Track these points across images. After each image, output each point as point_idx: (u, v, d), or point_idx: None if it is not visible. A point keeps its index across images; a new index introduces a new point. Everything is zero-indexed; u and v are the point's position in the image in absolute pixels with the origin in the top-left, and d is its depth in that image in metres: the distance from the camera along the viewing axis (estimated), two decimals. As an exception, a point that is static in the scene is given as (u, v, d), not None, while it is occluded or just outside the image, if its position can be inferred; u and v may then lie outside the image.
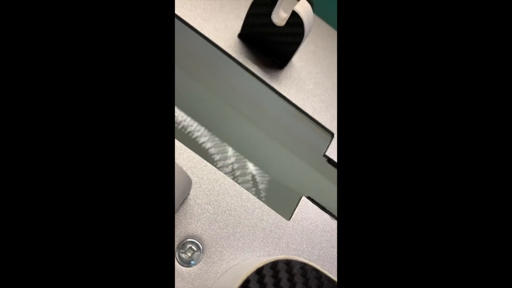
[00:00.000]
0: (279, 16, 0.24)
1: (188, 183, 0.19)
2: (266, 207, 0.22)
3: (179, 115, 0.24)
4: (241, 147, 0.25)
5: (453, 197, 0.14)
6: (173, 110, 0.23)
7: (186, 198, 0.21)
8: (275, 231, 0.22)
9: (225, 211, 0.21)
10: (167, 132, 0.15)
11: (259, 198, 0.23)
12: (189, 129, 0.24)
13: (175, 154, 0.22)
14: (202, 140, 0.24)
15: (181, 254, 0.20)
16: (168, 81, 0.15)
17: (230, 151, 0.24)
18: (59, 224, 0.14)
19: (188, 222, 0.21)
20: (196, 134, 0.24)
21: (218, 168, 0.23)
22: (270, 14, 0.24)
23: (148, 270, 0.14)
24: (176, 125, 0.24)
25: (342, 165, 0.14)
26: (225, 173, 0.23)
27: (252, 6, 0.24)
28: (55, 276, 0.13)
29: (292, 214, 0.23)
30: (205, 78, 0.26)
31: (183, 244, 0.20)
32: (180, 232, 0.20)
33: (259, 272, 0.17)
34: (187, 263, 0.20)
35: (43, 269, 0.13)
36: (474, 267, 0.14)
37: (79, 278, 0.13)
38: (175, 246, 0.20)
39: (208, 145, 0.24)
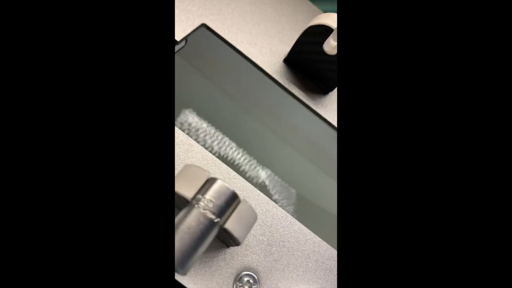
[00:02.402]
0: (331, 45, 0.24)
1: (255, 218, 0.19)
2: (318, 238, 0.22)
3: (227, 142, 0.24)
4: (287, 174, 0.25)
5: (452, 190, 0.14)
6: (173, 123, 0.23)
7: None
8: (326, 262, 0.22)
9: (278, 243, 0.21)
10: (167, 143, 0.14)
11: (308, 227, 0.23)
12: (237, 157, 0.24)
13: (232, 182, 0.22)
14: (249, 168, 0.24)
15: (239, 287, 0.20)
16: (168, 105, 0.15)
17: (278, 179, 0.24)
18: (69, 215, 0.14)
19: (245, 254, 0.21)
20: (244, 161, 0.24)
21: (270, 197, 0.23)
22: (320, 42, 0.24)
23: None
24: (225, 154, 0.24)
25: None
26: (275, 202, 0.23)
27: (303, 34, 0.24)
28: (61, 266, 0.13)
29: (342, 244, 0.23)
30: (250, 103, 0.26)
31: (240, 277, 0.20)
32: (237, 265, 0.20)
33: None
34: (244, 296, 0.20)
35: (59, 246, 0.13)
36: (471, 263, 0.13)
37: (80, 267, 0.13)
38: (233, 279, 0.20)
39: (259, 174, 0.24)
